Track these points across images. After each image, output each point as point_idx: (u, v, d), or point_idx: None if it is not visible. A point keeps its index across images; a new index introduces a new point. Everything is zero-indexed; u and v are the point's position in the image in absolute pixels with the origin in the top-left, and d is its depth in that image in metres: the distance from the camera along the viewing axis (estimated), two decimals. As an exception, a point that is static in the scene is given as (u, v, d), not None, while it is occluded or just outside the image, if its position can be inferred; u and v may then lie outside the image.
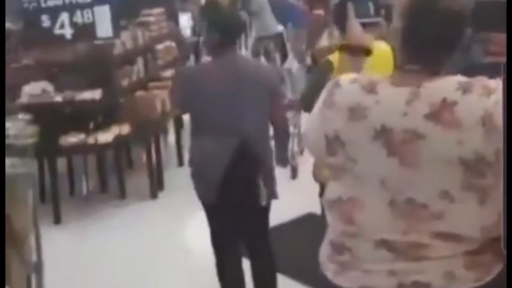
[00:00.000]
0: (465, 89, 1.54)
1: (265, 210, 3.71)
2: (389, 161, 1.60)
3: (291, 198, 3.77)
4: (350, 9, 2.32)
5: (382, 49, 3.14)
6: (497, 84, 1.52)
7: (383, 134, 1.61)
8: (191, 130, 3.65)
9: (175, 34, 8.74)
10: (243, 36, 14.86)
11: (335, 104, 1.71)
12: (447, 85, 1.57)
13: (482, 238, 1.58)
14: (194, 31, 11.30)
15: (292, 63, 8.62)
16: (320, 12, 10.32)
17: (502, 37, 5.65)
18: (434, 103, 1.55)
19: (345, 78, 1.74)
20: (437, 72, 1.62)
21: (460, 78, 1.59)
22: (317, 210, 3.69)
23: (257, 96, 3.52)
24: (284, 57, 9.85)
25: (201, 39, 9.99)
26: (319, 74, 3.79)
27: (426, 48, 1.63)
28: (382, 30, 3.27)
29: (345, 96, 1.70)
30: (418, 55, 1.64)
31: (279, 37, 10.88)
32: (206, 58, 5.76)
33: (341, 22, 3.54)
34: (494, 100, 1.50)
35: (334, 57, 3.45)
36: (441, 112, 1.54)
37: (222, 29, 3.52)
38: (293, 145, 6.73)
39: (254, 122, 3.52)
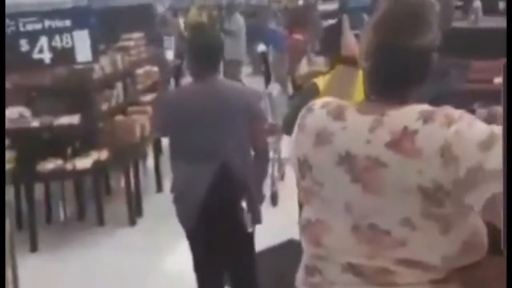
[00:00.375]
0: (426, 118, 1.55)
1: (249, 237, 3.66)
2: (353, 187, 1.63)
3: (272, 224, 3.73)
4: (345, 21, 2.35)
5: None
6: (460, 114, 1.54)
7: (347, 160, 1.63)
8: (171, 155, 3.61)
9: (158, 57, 8.74)
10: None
11: (305, 128, 1.75)
12: (409, 114, 1.59)
13: (444, 267, 1.59)
14: (177, 54, 11.31)
15: (273, 87, 8.64)
16: (299, 36, 10.42)
17: (481, 65, 5.70)
18: (395, 132, 1.57)
19: (318, 103, 1.78)
20: (402, 101, 1.64)
21: (424, 107, 1.59)
22: (297, 236, 3.64)
23: (238, 120, 3.50)
24: (268, 78, 9.86)
25: (184, 62, 10.04)
26: (301, 98, 3.78)
27: (390, 84, 1.65)
28: None
29: (314, 120, 1.74)
30: (383, 90, 1.67)
31: (261, 57, 10.92)
32: (187, 80, 5.75)
33: (329, 47, 3.57)
34: (455, 130, 1.50)
35: (319, 80, 3.46)
36: (401, 141, 1.55)
37: (203, 55, 3.52)
38: (273, 170, 6.71)
39: (235, 146, 3.49)
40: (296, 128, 1.80)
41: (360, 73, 2.23)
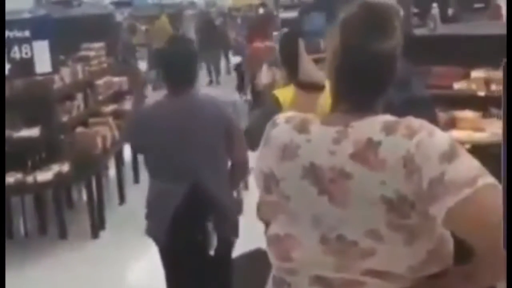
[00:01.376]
0: (389, 130, 1.57)
1: (224, 255, 3.54)
2: (319, 199, 1.63)
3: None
4: (301, 46, 2.34)
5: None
6: (420, 124, 1.56)
7: (312, 172, 1.64)
8: (147, 171, 3.55)
9: (131, 67, 8.65)
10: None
11: (270, 143, 1.75)
12: (372, 125, 1.60)
13: (410, 276, 1.59)
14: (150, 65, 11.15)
15: (235, 96, 8.64)
16: (259, 45, 10.43)
17: (441, 70, 5.75)
18: (359, 143, 1.58)
19: (282, 117, 1.79)
20: (367, 110, 1.64)
21: (387, 118, 1.61)
22: (264, 245, 3.60)
23: (215, 136, 3.42)
24: (241, 89, 9.84)
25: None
26: (263, 111, 3.77)
27: (355, 88, 1.65)
28: None
29: (279, 135, 1.74)
30: (348, 95, 1.67)
31: (237, 69, 10.89)
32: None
33: (287, 59, 3.56)
34: (416, 141, 1.52)
35: (281, 93, 3.44)
36: (365, 152, 1.56)
37: (179, 69, 3.43)
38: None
39: (209, 163, 3.41)
40: (262, 142, 1.80)
41: (322, 94, 2.22)
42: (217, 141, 3.43)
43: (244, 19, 16.55)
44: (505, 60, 1.12)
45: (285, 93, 3.40)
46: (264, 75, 7.94)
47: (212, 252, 3.44)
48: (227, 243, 3.53)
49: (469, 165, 1.50)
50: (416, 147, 1.51)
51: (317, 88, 2.29)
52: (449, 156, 1.48)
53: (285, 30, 7.40)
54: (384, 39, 1.61)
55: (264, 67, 8.15)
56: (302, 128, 1.70)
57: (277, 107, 3.32)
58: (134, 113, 4.10)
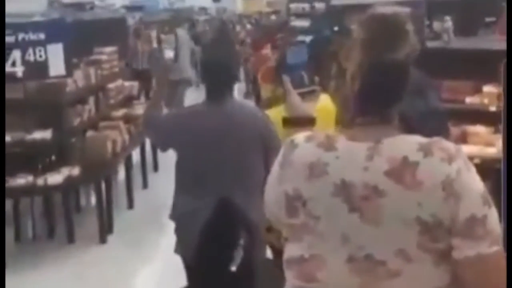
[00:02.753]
0: (426, 151, 1.57)
1: (251, 275, 3.36)
2: (350, 216, 1.62)
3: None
4: (287, 82, 2.32)
5: (326, 105, 3.06)
6: (457, 150, 1.58)
7: (343, 189, 1.62)
8: (175, 179, 3.44)
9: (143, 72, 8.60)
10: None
11: (293, 164, 1.71)
12: (407, 144, 1.60)
13: None
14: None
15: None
16: (266, 52, 10.34)
17: (453, 84, 5.71)
18: (394, 161, 1.58)
19: (300, 138, 1.75)
20: (390, 120, 1.66)
21: (419, 139, 1.62)
22: (269, 254, 3.59)
23: (250, 147, 3.33)
24: (258, 98, 9.80)
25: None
26: None
27: (379, 100, 1.66)
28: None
29: (303, 154, 1.70)
30: (372, 107, 1.66)
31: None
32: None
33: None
34: (457, 168, 1.55)
35: (272, 112, 3.35)
36: (402, 171, 1.56)
37: (218, 75, 3.39)
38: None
39: (240, 179, 3.30)
40: (278, 167, 1.76)
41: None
42: (252, 153, 3.33)
43: (255, 25, 16.58)
44: (505, 60, 1.13)
45: (277, 114, 3.31)
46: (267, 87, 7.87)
47: (234, 268, 3.27)
48: (253, 262, 3.37)
49: (496, 217, 1.58)
50: (456, 173, 1.54)
51: (306, 122, 2.26)
52: (487, 200, 1.56)
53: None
54: (399, 48, 1.63)
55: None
56: (328, 145, 1.67)
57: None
58: (170, 116, 4.01)
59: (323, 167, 1.65)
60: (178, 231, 3.40)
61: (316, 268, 1.67)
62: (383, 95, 1.65)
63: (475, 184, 1.57)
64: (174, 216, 3.42)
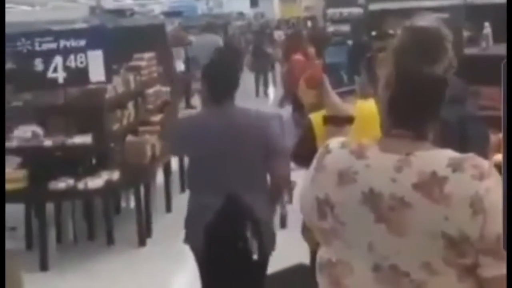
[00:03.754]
0: (457, 167, 1.57)
1: (260, 266, 3.62)
2: (377, 226, 1.63)
3: (280, 247, 3.73)
4: (326, 81, 2.34)
5: (368, 110, 3.08)
6: (489, 169, 1.57)
7: (371, 198, 1.64)
8: (187, 182, 3.73)
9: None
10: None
11: (325, 169, 1.74)
12: (438, 158, 1.60)
13: None
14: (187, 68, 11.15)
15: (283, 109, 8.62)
16: (298, 57, 10.28)
17: (491, 91, 5.63)
18: (423, 174, 1.58)
19: (335, 144, 1.78)
20: (424, 135, 1.66)
21: (451, 154, 1.61)
22: (307, 260, 3.65)
23: (255, 150, 3.50)
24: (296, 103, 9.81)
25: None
26: (304, 131, 3.74)
27: (412, 113, 1.66)
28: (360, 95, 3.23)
29: (335, 160, 1.73)
30: (404, 120, 1.67)
31: None
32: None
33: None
34: (486, 186, 1.54)
35: (315, 116, 3.38)
36: (430, 185, 1.57)
37: (215, 83, 3.53)
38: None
39: (246, 177, 3.49)
40: (312, 170, 1.80)
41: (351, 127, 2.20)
42: (255, 155, 3.50)
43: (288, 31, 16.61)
44: (505, 61, 1.13)
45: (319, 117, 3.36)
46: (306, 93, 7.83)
47: (255, 257, 3.49)
48: (262, 255, 3.57)
49: None
50: (486, 190, 1.53)
51: (344, 121, 2.28)
52: None
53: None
54: (437, 62, 1.62)
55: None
56: (360, 153, 1.70)
57: (309, 132, 3.24)
58: (176, 123, 4.22)
59: (352, 175, 1.67)
60: (188, 225, 3.60)
61: (342, 274, 1.69)
62: (416, 109, 1.65)
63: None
64: (187, 213, 3.63)
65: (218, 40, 12.33)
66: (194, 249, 3.59)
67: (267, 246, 3.59)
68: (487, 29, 6.45)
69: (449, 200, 1.54)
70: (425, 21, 1.70)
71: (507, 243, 1.17)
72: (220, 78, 3.54)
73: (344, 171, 1.69)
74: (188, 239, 3.62)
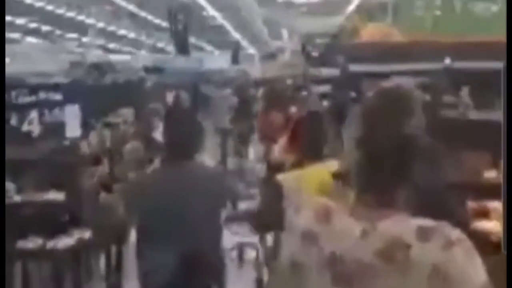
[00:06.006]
0: (424, 235, 1.53)
1: None
2: None
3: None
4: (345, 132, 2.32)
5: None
6: (458, 237, 1.53)
7: (333, 263, 1.61)
8: (138, 240, 3.52)
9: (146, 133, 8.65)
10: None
11: (291, 227, 1.74)
12: (406, 226, 1.56)
13: None
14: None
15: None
16: (275, 115, 10.18)
17: (472, 156, 5.56)
18: (388, 241, 1.55)
19: (305, 203, 1.78)
20: (393, 202, 1.61)
21: (420, 222, 1.57)
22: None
23: (210, 207, 3.44)
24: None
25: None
26: (271, 194, 3.70)
27: (381, 176, 1.61)
28: None
29: (300, 221, 1.72)
30: (373, 184, 1.63)
31: None
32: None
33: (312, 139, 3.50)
34: (452, 255, 1.49)
35: (285, 178, 3.37)
36: (394, 253, 1.53)
37: (177, 139, 3.49)
38: (258, 255, 6.57)
39: (203, 233, 3.40)
40: (285, 230, 1.78)
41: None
42: (211, 213, 3.46)
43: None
44: (505, 62, 1.08)
45: (290, 179, 3.38)
46: (276, 151, 7.68)
47: None
48: None
49: None
50: (450, 260, 1.48)
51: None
52: None
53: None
54: (405, 123, 1.59)
55: (281, 141, 7.87)
56: (325, 217, 1.67)
57: (278, 194, 3.24)
58: (132, 180, 4.19)
59: (314, 237, 1.65)
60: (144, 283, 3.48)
61: None
62: (386, 171, 1.60)
63: (475, 274, 1.49)
64: (140, 273, 3.51)
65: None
66: None
67: None
68: (465, 93, 6.49)
69: (411, 268, 1.50)
70: (397, 83, 1.69)
71: (507, 243, 1.07)
72: (183, 133, 3.50)
73: (307, 233, 1.67)
74: None
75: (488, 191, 5.16)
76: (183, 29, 20.44)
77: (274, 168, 4.21)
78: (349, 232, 1.60)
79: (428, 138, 1.66)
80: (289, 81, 15.99)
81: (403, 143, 1.59)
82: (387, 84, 1.69)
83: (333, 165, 3.04)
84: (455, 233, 1.53)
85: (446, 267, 1.48)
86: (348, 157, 1.68)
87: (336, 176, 2.29)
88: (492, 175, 5.25)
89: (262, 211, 3.45)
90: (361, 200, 1.64)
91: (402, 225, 1.57)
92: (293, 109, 9.11)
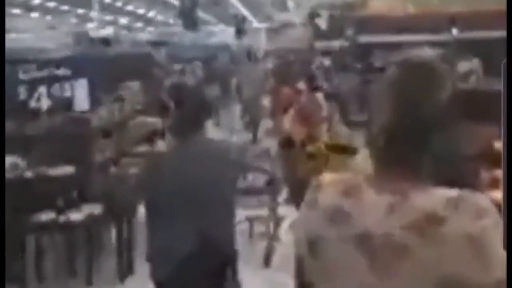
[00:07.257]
0: (455, 207, 1.49)
1: None
2: (368, 268, 1.57)
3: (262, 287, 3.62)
4: (336, 110, 2.30)
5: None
6: (488, 205, 1.49)
7: (363, 240, 1.58)
8: (147, 219, 3.47)
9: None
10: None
11: (316, 206, 1.69)
12: (434, 198, 1.53)
13: None
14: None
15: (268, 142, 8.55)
16: (286, 91, 10.23)
17: (481, 130, 5.56)
18: (419, 215, 1.51)
19: (327, 180, 1.73)
20: (420, 173, 1.59)
21: (447, 192, 1.54)
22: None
23: (222, 182, 3.41)
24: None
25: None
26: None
27: (410, 148, 1.59)
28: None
29: (326, 198, 1.67)
30: (401, 156, 1.60)
31: None
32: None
33: None
34: (483, 225, 1.46)
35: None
36: (426, 226, 1.50)
37: (184, 113, 3.45)
38: (268, 229, 6.60)
39: (216, 210, 3.37)
40: (304, 205, 1.74)
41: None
42: (224, 188, 3.42)
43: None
44: (505, 61, 1.08)
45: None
46: (286, 123, 7.65)
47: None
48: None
49: None
50: (482, 230, 1.45)
51: (348, 151, 2.25)
52: None
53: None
54: (434, 95, 1.57)
55: (290, 113, 7.82)
56: (351, 192, 1.63)
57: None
58: (143, 164, 4.14)
59: (343, 215, 1.61)
60: (155, 264, 3.42)
61: None
62: (415, 143, 1.58)
63: (501, 242, 1.45)
64: (150, 254, 3.46)
65: None
66: (160, 283, 3.42)
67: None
68: (476, 64, 6.45)
69: (445, 241, 1.47)
70: (421, 54, 1.64)
71: (507, 243, 1.07)
72: (188, 107, 3.48)
73: (335, 210, 1.63)
74: (155, 274, 3.44)
75: (498, 161, 5.14)
76: (191, 4, 20.35)
77: (284, 142, 4.20)
78: (377, 207, 1.57)
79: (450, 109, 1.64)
80: (296, 55, 15.92)
81: (431, 115, 1.57)
82: (411, 55, 1.64)
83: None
84: (483, 201, 1.51)
85: (479, 236, 1.45)
86: (373, 130, 1.64)
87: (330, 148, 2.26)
88: (500, 145, 5.24)
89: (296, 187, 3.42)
90: (386, 173, 1.61)
91: (431, 198, 1.54)
92: (301, 85, 9.13)
